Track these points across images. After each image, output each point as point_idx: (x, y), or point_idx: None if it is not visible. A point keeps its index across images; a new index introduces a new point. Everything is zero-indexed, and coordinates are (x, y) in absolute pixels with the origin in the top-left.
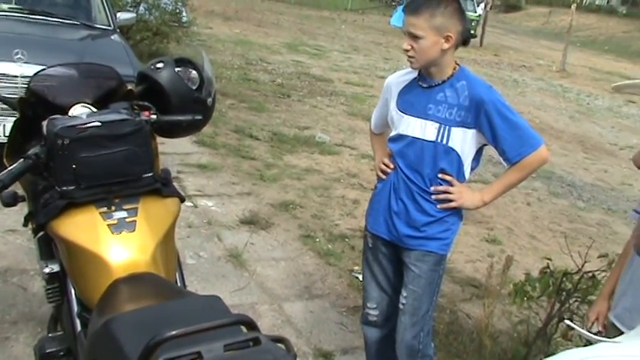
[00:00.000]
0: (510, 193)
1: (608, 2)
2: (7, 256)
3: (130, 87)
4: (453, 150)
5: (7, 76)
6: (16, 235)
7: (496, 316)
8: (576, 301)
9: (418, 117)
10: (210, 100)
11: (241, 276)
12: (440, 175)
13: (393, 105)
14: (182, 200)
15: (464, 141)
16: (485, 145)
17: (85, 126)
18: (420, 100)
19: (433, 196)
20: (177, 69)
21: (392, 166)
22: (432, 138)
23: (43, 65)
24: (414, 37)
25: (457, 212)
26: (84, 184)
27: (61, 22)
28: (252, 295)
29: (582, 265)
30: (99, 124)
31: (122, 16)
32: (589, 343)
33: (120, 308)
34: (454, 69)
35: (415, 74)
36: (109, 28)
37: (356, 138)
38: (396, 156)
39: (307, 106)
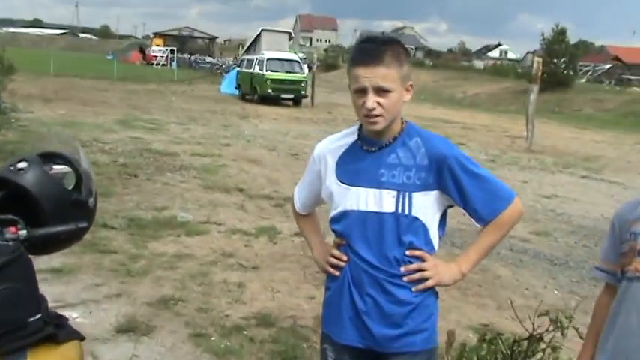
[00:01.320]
0: None
1: (414, 56)
2: None
3: None
4: (417, 219)
5: None
6: None
7: None
8: None
9: (369, 187)
10: (92, 200)
11: None
12: (408, 252)
13: (331, 178)
14: (82, 339)
15: (427, 206)
16: (450, 207)
17: None
18: (368, 166)
19: (405, 278)
20: (45, 167)
21: (345, 257)
22: (391, 209)
23: None
24: (382, 92)
25: (433, 292)
26: None
27: None
28: None
29: (533, 330)
30: None
31: None
32: None
33: None
34: (402, 124)
35: (352, 138)
36: None
37: (220, 213)
38: (347, 239)
39: (158, 184)
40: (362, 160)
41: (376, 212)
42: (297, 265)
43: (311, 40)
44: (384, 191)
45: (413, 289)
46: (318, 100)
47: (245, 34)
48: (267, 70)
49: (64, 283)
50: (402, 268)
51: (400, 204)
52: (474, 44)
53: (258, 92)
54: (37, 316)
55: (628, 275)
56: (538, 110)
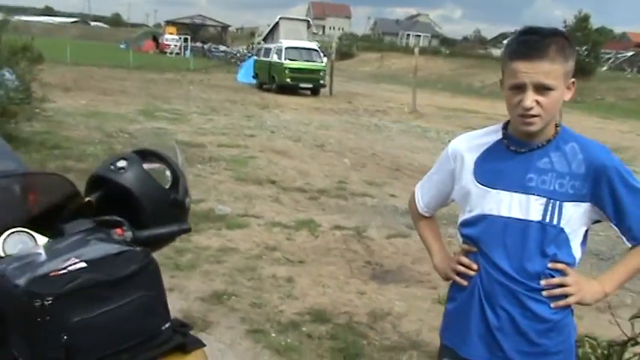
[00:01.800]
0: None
1: (430, 44)
2: None
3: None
4: (563, 231)
5: None
6: None
7: None
8: None
9: (514, 191)
10: (188, 200)
11: None
12: (550, 265)
13: (467, 177)
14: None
15: (576, 219)
16: (597, 221)
17: (67, 271)
18: (515, 168)
19: (545, 293)
20: (144, 165)
21: (475, 266)
22: (538, 217)
23: None
24: (543, 89)
25: (571, 310)
26: None
27: None
28: None
29: (637, 335)
30: (84, 265)
31: None
32: None
33: None
34: (556, 127)
35: (496, 136)
36: None
37: (256, 205)
38: (481, 246)
39: (190, 175)
40: (507, 160)
41: (520, 219)
42: (342, 259)
43: (324, 28)
44: (532, 197)
45: (552, 305)
46: (336, 90)
47: (257, 22)
48: (285, 59)
49: None
50: (543, 282)
51: (549, 213)
52: (490, 32)
53: (277, 81)
54: (167, 325)
55: None
56: None
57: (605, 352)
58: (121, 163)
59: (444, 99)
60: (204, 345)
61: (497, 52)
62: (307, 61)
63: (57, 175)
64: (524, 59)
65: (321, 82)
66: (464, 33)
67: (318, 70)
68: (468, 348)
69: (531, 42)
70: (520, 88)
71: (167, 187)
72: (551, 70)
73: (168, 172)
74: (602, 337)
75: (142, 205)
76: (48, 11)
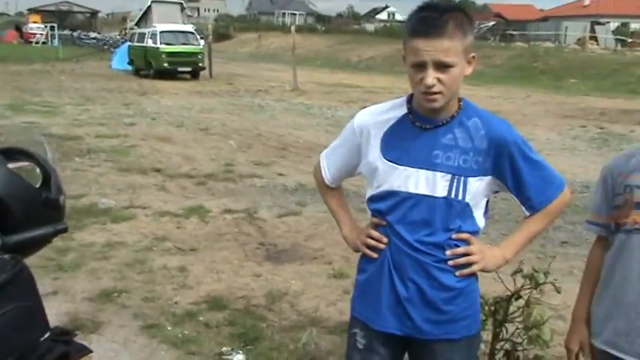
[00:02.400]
0: (319, 217)
1: (305, 22)
2: None
3: None
4: (468, 205)
5: None
6: None
7: None
8: (517, 328)
9: (421, 168)
10: (62, 198)
11: None
12: (454, 236)
13: (374, 153)
14: (90, 353)
15: (479, 192)
16: (496, 192)
17: None
18: (421, 145)
19: (450, 263)
20: (10, 165)
21: (384, 240)
22: (444, 193)
23: None
24: (443, 67)
25: (475, 277)
26: None
27: None
28: None
29: (518, 290)
30: None
31: None
32: None
33: None
34: (459, 102)
35: (400, 111)
36: None
37: (141, 195)
38: (389, 220)
39: (68, 170)
40: (413, 137)
41: (427, 195)
42: (234, 243)
43: (198, 10)
44: (438, 174)
45: (457, 273)
46: (216, 72)
47: (128, 7)
48: (161, 44)
49: None
50: (448, 252)
51: (454, 188)
52: (362, 7)
53: (154, 67)
54: (47, 335)
55: (626, 228)
56: None
57: (492, 308)
58: None
59: (324, 75)
60: (91, 351)
61: (370, 27)
62: (184, 44)
63: None
64: (423, 37)
65: (200, 64)
66: (338, 9)
67: (196, 53)
68: (379, 320)
69: (429, 19)
70: (421, 66)
71: (37, 185)
72: (451, 47)
73: (37, 170)
74: (488, 294)
75: (10, 208)
76: None
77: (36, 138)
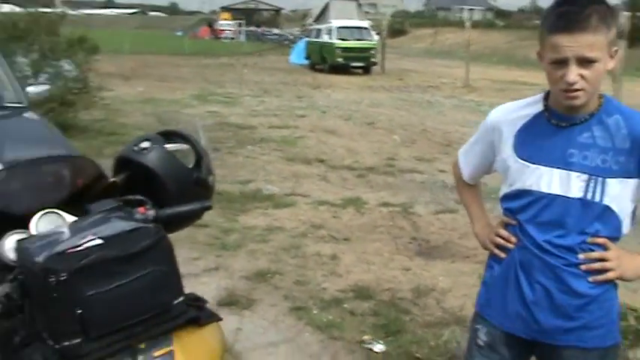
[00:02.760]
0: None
1: (485, 17)
2: None
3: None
4: (608, 208)
5: None
6: None
7: None
8: None
9: (554, 167)
10: (211, 178)
11: None
12: (589, 240)
13: (507, 150)
14: (220, 320)
15: (622, 196)
16: None
17: (83, 248)
18: (556, 143)
19: (583, 267)
20: (167, 146)
21: (513, 239)
22: (579, 194)
23: None
24: (587, 62)
25: (614, 284)
26: (94, 333)
27: None
28: None
29: None
30: (100, 241)
31: (33, 89)
32: None
33: None
34: (599, 98)
35: (536, 108)
36: (19, 105)
37: (303, 184)
38: (520, 220)
39: (240, 157)
40: (548, 135)
41: (560, 195)
42: (387, 236)
43: (376, 6)
44: (573, 174)
45: (590, 279)
46: (388, 67)
47: (310, 4)
48: (336, 39)
49: None
50: (581, 256)
51: (591, 189)
52: (546, 1)
53: (329, 61)
54: (181, 299)
55: None
56: (623, 68)
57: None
58: (145, 144)
59: (499, 72)
60: (220, 319)
61: None
62: (358, 39)
63: (84, 158)
64: (564, 32)
65: (373, 60)
66: (519, 4)
67: (369, 49)
68: (502, 319)
69: (571, 13)
70: (562, 63)
71: (190, 166)
72: (595, 41)
73: (191, 152)
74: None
75: (165, 185)
76: (109, 4)
77: (194, 124)
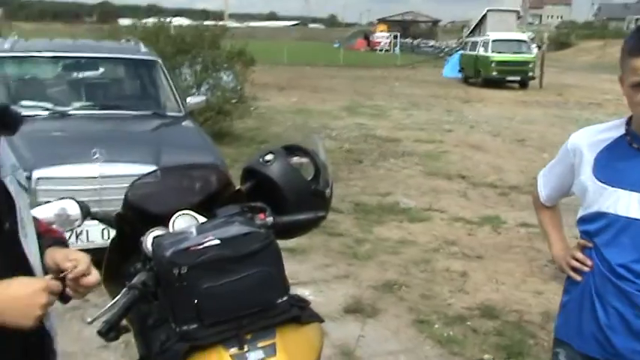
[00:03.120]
0: None
1: None
2: None
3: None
4: None
5: (87, 178)
6: (109, 352)
7: None
8: None
9: (633, 190)
10: (328, 190)
11: None
12: None
13: (586, 173)
14: (321, 322)
15: None
16: None
17: (203, 247)
18: (635, 167)
19: None
20: (289, 159)
21: (589, 262)
22: None
23: (122, 162)
24: None
25: None
26: (208, 321)
27: (132, 114)
28: None
29: None
30: (218, 242)
31: (192, 100)
32: None
33: None
34: None
35: (618, 132)
36: (179, 114)
37: (441, 200)
38: (596, 243)
39: (382, 170)
40: (628, 159)
41: (638, 220)
42: (523, 257)
43: (541, 17)
44: None
45: None
46: (547, 82)
47: (469, 15)
48: (492, 52)
49: (297, 262)
50: None
51: None
52: None
53: (482, 75)
54: (285, 298)
55: None
56: None
57: None
58: (269, 157)
59: None
60: (322, 320)
61: None
62: (515, 53)
63: (216, 168)
64: None
65: (530, 74)
66: None
67: (527, 62)
68: (579, 342)
69: None
70: None
71: (309, 178)
72: None
73: (311, 165)
74: None
75: (285, 194)
76: (272, 16)
77: (314, 139)
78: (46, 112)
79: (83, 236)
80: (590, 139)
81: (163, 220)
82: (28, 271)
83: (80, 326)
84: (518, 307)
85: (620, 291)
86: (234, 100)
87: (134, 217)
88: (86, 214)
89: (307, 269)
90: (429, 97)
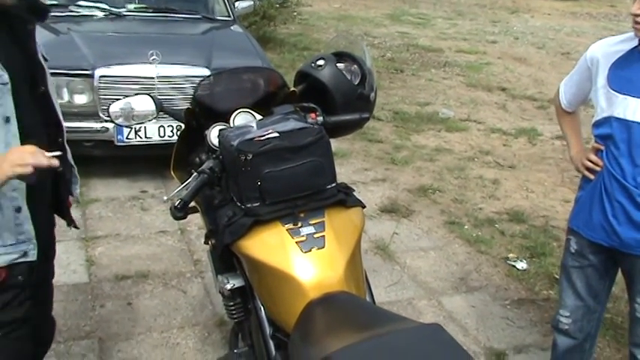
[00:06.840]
0: None
1: None
2: (163, 258)
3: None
4: None
5: (145, 78)
6: (167, 236)
7: None
8: None
9: None
10: (372, 95)
11: (392, 269)
12: None
13: (601, 81)
14: (363, 207)
15: None
16: None
17: (265, 138)
18: None
19: None
20: (338, 64)
21: (601, 163)
22: None
23: (177, 64)
24: None
25: None
26: (269, 200)
27: (183, 17)
28: (407, 289)
29: None
30: (277, 134)
31: (240, 5)
32: None
33: (329, 338)
34: None
35: (631, 43)
36: (228, 19)
37: (480, 111)
38: (607, 144)
39: (422, 79)
40: (638, 68)
41: None
42: (555, 168)
43: None
44: None
45: None
46: None
47: None
48: None
49: (338, 165)
50: None
51: None
52: None
53: None
54: (333, 185)
55: None
56: None
57: None
58: (320, 62)
59: None
60: (364, 206)
61: None
62: None
63: (273, 71)
64: None
65: None
66: None
67: None
68: (590, 231)
69: None
70: None
71: (356, 83)
72: None
73: (358, 71)
74: None
75: (334, 96)
76: None
77: (361, 44)
78: (102, 13)
79: (142, 133)
80: (606, 50)
81: (224, 117)
82: (59, 127)
83: (140, 213)
84: (546, 213)
85: (624, 189)
86: (277, 5)
87: (200, 113)
88: (160, 109)
89: (347, 172)
90: (474, 6)
